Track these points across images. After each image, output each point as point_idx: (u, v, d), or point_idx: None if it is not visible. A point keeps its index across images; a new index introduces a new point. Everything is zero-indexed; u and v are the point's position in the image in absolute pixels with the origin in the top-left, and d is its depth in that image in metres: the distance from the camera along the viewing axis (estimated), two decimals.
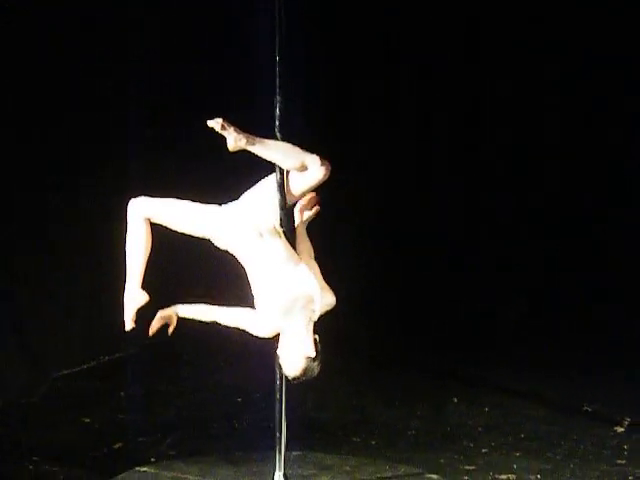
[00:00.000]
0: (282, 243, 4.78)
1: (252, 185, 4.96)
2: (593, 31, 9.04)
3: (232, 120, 4.69)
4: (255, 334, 4.82)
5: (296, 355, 4.73)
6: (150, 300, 4.78)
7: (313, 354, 4.73)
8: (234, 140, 4.70)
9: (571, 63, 9.26)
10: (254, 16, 6.92)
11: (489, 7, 9.31)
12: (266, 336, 4.81)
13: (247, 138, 4.71)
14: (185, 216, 4.82)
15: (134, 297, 4.83)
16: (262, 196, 4.91)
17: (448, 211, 9.73)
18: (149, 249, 4.82)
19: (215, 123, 4.68)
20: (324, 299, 4.85)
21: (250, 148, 4.73)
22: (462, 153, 9.76)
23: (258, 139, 4.75)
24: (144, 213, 4.81)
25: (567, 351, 8.37)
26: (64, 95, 7.46)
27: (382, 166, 9.61)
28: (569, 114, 9.41)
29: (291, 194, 4.90)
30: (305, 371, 4.75)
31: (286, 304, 4.72)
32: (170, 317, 4.88)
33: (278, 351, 4.78)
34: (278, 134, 4.92)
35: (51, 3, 7.25)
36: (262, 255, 4.74)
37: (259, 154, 4.77)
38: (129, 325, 4.83)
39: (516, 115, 9.55)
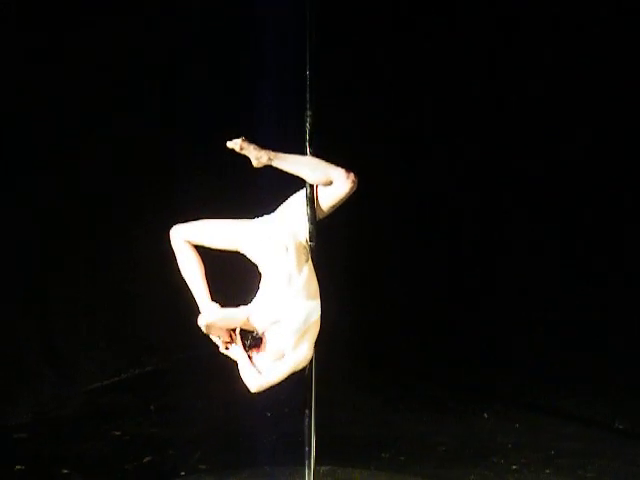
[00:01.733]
0: (298, 263, 4.81)
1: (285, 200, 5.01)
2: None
3: (252, 139, 4.75)
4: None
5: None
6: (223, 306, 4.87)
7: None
8: (255, 158, 4.78)
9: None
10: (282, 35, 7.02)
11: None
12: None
13: (268, 155, 4.79)
14: (218, 234, 4.91)
15: (211, 311, 4.87)
16: (291, 211, 4.95)
17: (472, 221, 9.73)
18: (202, 267, 4.93)
19: (234, 144, 4.76)
20: (298, 349, 4.84)
21: (273, 164, 4.80)
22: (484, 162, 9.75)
23: (281, 155, 4.82)
24: (183, 237, 4.92)
25: (599, 368, 8.30)
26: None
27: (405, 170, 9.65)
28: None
29: (320, 208, 4.94)
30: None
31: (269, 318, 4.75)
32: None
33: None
34: (308, 149, 4.95)
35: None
36: (279, 268, 4.77)
37: (284, 169, 4.83)
38: (213, 338, 4.87)
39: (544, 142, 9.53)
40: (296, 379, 5.15)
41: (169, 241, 4.93)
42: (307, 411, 5.21)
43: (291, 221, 4.91)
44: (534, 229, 9.57)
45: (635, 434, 6.84)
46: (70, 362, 7.42)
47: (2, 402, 6.84)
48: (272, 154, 4.81)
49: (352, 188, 4.83)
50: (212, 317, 4.81)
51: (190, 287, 4.93)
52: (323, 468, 5.77)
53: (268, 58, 8.10)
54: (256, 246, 4.85)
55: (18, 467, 6.01)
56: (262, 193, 5.77)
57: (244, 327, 4.82)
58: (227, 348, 4.86)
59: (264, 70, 8.14)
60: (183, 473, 5.97)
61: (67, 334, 7.41)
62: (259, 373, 4.85)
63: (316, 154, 4.93)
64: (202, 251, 4.94)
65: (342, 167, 4.85)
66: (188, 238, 4.92)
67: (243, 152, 4.79)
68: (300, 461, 5.30)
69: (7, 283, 6.90)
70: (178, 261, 4.94)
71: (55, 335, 7.34)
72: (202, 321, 4.80)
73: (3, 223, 6.93)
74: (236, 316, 4.81)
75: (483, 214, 9.73)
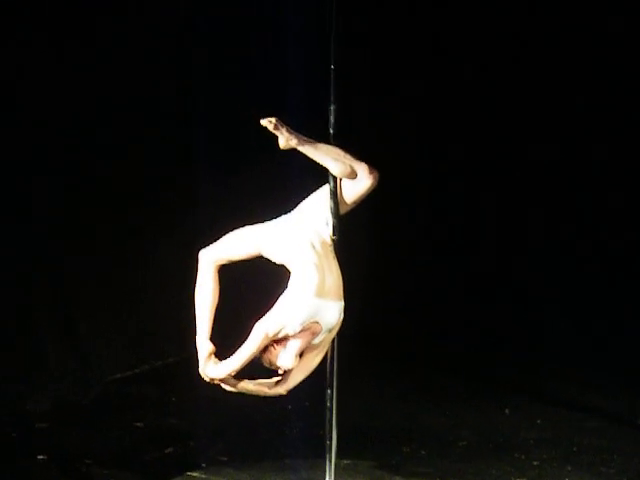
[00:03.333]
0: (326, 259, 4.80)
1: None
2: None
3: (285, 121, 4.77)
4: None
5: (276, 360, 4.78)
6: (215, 349, 4.92)
7: (289, 367, 4.77)
8: (285, 139, 4.81)
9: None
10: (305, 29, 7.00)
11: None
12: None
13: (298, 139, 4.84)
14: (240, 244, 4.91)
15: (202, 346, 4.93)
16: (312, 208, 4.95)
17: (496, 214, 9.71)
18: (217, 300, 4.97)
19: (268, 122, 4.80)
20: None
21: (300, 148, 4.86)
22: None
23: (309, 141, 4.87)
24: (212, 259, 4.93)
25: (620, 363, 8.27)
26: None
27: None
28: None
29: (343, 202, 4.95)
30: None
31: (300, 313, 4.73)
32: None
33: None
34: (332, 142, 4.96)
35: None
36: (308, 264, 4.76)
37: (309, 155, 4.87)
38: (201, 371, 4.93)
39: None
40: (317, 372, 5.15)
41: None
42: (328, 404, 5.22)
43: (313, 218, 4.91)
44: (554, 225, 9.54)
45: None
46: (92, 352, 7.44)
47: (24, 392, 6.87)
48: (301, 139, 4.84)
49: (373, 184, 4.87)
50: (222, 373, 4.84)
51: (197, 315, 4.94)
52: (344, 461, 5.76)
53: (291, 54, 8.08)
54: (278, 247, 4.84)
55: (40, 457, 6.03)
56: (284, 193, 5.76)
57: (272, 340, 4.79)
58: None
59: (287, 67, 8.12)
60: (204, 464, 5.98)
61: (89, 324, 7.43)
62: (280, 378, 4.86)
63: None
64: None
65: (365, 162, 4.88)
66: (216, 258, 4.93)
67: (274, 131, 4.83)
68: (321, 454, 5.32)
69: (29, 271, 6.92)
70: (197, 285, 4.96)
71: (77, 325, 7.36)
72: (211, 375, 4.85)
73: (27, 211, 6.94)
74: (255, 347, 4.79)
75: (502, 210, 9.71)
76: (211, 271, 4.93)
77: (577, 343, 8.79)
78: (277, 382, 4.93)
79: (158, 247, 7.90)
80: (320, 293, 4.75)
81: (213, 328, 4.95)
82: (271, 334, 4.73)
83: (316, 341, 4.83)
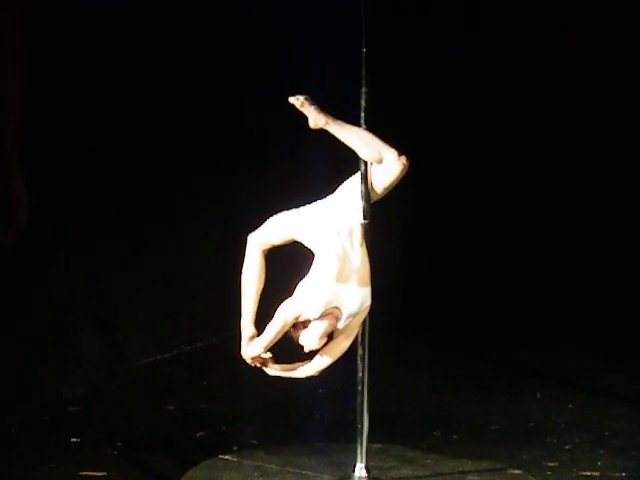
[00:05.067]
0: (351, 246, 4.80)
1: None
2: None
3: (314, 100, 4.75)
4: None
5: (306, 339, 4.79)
6: (256, 334, 4.91)
7: (312, 347, 4.76)
8: (314, 119, 4.77)
9: None
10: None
11: None
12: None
13: (327, 118, 4.78)
14: (278, 228, 4.91)
15: (244, 330, 4.94)
16: (343, 196, 4.95)
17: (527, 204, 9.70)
18: (262, 285, 4.95)
19: (296, 100, 4.78)
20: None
21: (329, 128, 4.81)
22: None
23: (339, 122, 4.83)
24: (259, 242, 4.93)
25: None
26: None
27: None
28: None
29: (373, 189, 4.92)
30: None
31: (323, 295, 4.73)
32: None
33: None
34: (363, 126, 4.94)
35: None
36: (331, 251, 4.75)
37: (338, 136, 4.83)
38: (244, 354, 4.94)
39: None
40: (348, 357, 5.16)
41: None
42: (359, 388, 5.22)
43: (345, 202, 4.90)
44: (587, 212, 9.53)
45: None
46: (123, 337, 7.47)
47: (56, 375, 6.91)
48: (330, 119, 4.80)
49: (403, 170, 4.82)
50: (253, 352, 4.83)
51: (242, 299, 4.95)
52: (375, 445, 5.77)
53: (323, 39, 8.07)
54: (307, 232, 4.84)
55: (73, 440, 6.08)
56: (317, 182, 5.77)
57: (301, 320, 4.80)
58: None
59: (318, 54, 8.12)
60: (235, 448, 6.00)
61: (121, 308, 7.46)
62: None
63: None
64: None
65: (395, 148, 4.85)
66: (262, 242, 4.92)
67: (303, 109, 4.79)
68: (352, 438, 5.32)
69: (61, 258, 6.96)
70: (244, 268, 4.95)
71: (109, 309, 7.40)
72: (245, 355, 4.85)
73: (63, 195, 6.98)
74: (276, 330, 4.79)
75: (535, 196, 9.70)
76: (257, 255, 4.92)
77: (608, 330, 8.76)
78: (305, 363, 4.95)
79: (191, 234, 7.93)
80: (340, 279, 4.75)
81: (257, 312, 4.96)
82: (290, 318, 4.75)
83: (339, 326, 4.83)
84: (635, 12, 9.12)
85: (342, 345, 4.95)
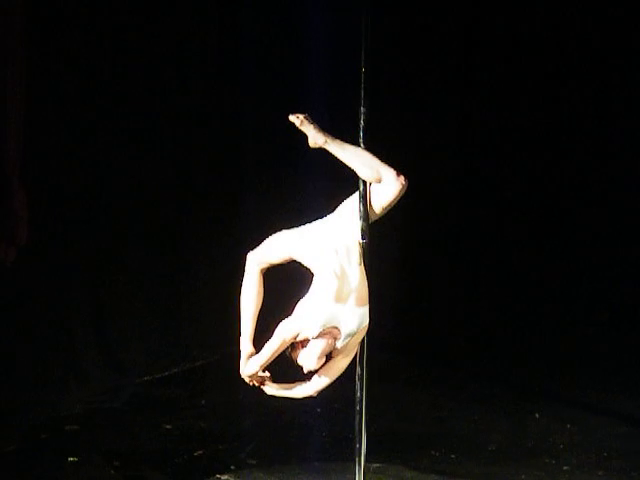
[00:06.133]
0: (349, 266, 4.80)
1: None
2: None
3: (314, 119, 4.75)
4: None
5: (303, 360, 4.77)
6: (254, 352, 4.90)
7: (310, 368, 4.75)
8: (313, 138, 4.77)
9: None
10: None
11: None
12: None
13: (326, 137, 4.77)
14: (278, 249, 4.90)
15: (243, 348, 4.93)
16: (342, 215, 4.95)
17: (524, 220, 9.70)
18: (260, 303, 4.95)
19: (295, 118, 4.76)
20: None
21: (328, 147, 4.80)
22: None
23: (338, 141, 4.81)
24: (258, 261, 4.92)
25: None
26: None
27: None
28: None
29: (372, 209, 4.92)
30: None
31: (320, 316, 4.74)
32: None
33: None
34: (362, 146, 4.94)
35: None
36: (329, 271, 4.76)
37: (337, 155, 4.82)
38: (242, 372, 4.93)
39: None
40: (347, 376, 5.15)
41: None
42: (357, 407, 5.21)
43: (344, 222, 4.90)
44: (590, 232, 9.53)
45: None
46: (122, 355, 7.47)
47: (54, 393, 6.91)
48: (330, 138, 4.79)
49: (401, 190, 4.81)
50: (251, 370, 4.84)
51: (241, 317, 4.95)
52: (373, 465, 5.76)
53: (323, 58, 8.09)
54: (305, 251, 4.84)
55: (71, 459, 6.07)
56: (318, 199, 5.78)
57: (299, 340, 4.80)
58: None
59: (319, 71, 8.14)
60: (233, 467, 5.99)
61: (120, 326, 7.46)
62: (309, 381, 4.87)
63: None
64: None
65: (393, 168, 4.85)
66: (261, 261, 4.92)
67: (302, 128, 4.78)
68: (350, 457, 5.30)
69: (62, 274, 6.96)
70: (243, 286, 4.95)
71: (108, 327, 7.40)
72: (243, 374, 4.85)
73: (66, 210, 6.99)
74: (274, 349, 4.80)
75: (536, 214, 9.70)
76: (256, 273, 4.93)
77: (607, 349, 8.76)
78: (303, 383, 4.94)
79: (191, 254, 7.94)
80: (338, 299, 4.75)
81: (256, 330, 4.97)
82: (288, 337, 4.74)
83: (338, 345, 4.82)
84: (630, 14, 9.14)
85: (340, 365, 4.94)
